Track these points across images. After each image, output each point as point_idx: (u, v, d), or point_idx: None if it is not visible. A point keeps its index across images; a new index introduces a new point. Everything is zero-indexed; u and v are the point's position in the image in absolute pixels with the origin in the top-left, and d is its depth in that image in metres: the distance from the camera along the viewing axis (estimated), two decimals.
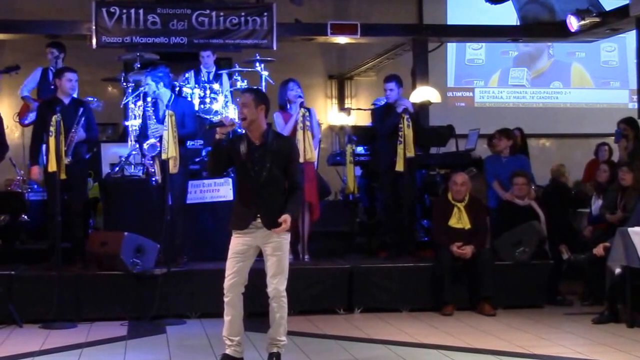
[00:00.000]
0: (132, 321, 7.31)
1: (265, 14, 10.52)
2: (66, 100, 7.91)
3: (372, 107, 10.02)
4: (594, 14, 10.66)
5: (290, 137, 7.57)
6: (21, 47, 11.81)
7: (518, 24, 12.16)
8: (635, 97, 14.43)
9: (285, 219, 5.36)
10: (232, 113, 9.33)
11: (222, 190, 8.46)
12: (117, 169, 9.31)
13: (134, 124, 9.38)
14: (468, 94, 14.54)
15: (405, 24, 12.39)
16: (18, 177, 9.85)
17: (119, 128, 11.45)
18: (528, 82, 14.66)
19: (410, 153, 8.17)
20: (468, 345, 6.41)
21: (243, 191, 5.56)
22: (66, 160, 7.45)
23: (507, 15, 12.44)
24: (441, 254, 8.00)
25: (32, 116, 9.67)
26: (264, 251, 5.50)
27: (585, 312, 7.69)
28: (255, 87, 7.88)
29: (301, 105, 8.14)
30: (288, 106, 8.35)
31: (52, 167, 7.24)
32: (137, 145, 8.56)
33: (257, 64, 9.99)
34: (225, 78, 9.95)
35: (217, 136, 5.56)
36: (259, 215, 5.44)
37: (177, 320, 7.34)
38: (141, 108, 9.04)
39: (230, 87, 9.88)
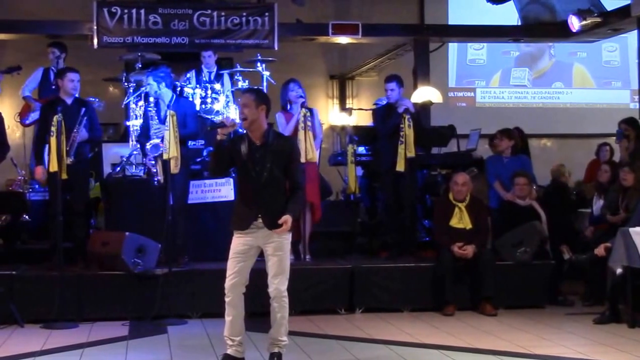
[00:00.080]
0: (134, 321, 7.31)
1: (267, 14, 10.52)
2: (68, 101, 7.91)
3: (374, 107, 10.02)
4: (595, 14, 10.65)
5: (291, 137, 7.58)
6: (22, 47, 11.83)
7: (519, 24, 12.16)
8: (636, 97, 14.44)
9: (286, 219, 5.36)
10: (233, 113, 9.33)
11: (223, 190, 8.46)
12: (119, 169, 9.32)
13: (135, 124, 9.39)
14: (469, 94, 14.54)
15: (407, 24, 12.38)
16: (19, 177, 9.85)
17: (120, 128, 11.46)
18: (529, 82, 14.66)
19: (411, 153, 8.17)
20: (469, 345, 6.41)
21: (244, 191, 5.57)
22: (68, 161, 7.45)
23: (509, 16, 12.45)
24: (442, 254, 8.00)
25: (33, 116, 9.69)
26: (265, 251, 5.50)
27: (586, 313, 7.69)
28: (256, 87, 7.87)
29: (302, 105, 8.14)
30: (288, 106, 8.36)
31: (54, 167, 7.25)
32: (138, 145, 8.55)
33: (259, 64, 10.00)
34: (226, 78, 9.96)
35: (219, 137, 5.56)
36: (260, 215, 5.44)
37: (178, 320, 7.34)
38: (142, 108, 9.04)
39: (232, 87, 9.89)
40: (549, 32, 11.70)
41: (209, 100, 9.54)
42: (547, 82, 14.72)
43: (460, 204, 8.15)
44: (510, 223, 8.38)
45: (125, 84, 9.95)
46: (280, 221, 5.36)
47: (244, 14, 10.49)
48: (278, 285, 5.46)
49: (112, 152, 10.27)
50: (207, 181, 8.51)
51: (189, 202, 8.18)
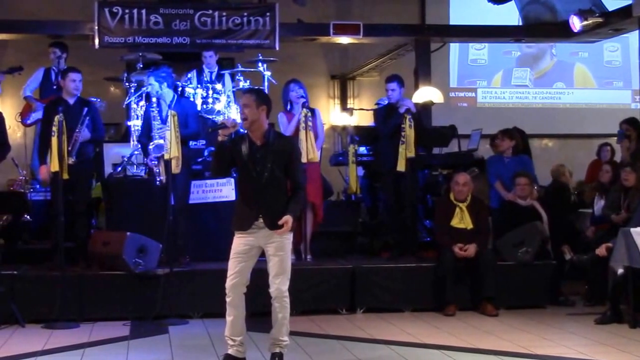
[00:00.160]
0: (135, 321, 7.32)
1: (268, 14, 10.52)
2: (71, 101, 7.91)
3: (375, 107, 10.02)
4: (597, 14, 10.65)
5: (292, 137, 7.59)
6: (24, 47, 11.83)
7: (520, 24, 12.15)
8: (638, 98, 14.47)
9: (286, 220, 5.36)
10: (235, 113, 9.34)
11: (224, 190, 8.46)
12: (120, 169, 9.33)
13: (136, 124, 9.39)
14: (471, 94, 14.53)
15: (408, 24, 12.37)
16: (20, 177, 9.84)
17: (121, 128, 11.45)
18: (531, 82, 14.65)
19: (411, 153, 8.17)
20: (470, 345, 6.41)
21: (245, 191, 5.57)
22: (70, 160, 7.45)
23: (510, 16, 12.44)
24: (443, 254, 8.00)
25: (34, 116, 9.70)
26: (267, 251, 5.50)
27: (587, 313, 7.69)
28: (257, 88, 7.88)
29: (304, 105, 8.14)
30: (289, 107, 8.36)
31: (55, 167, 7.25)
32: (139, 145, 8.56)
33: (260, 64, 10.00)
34: (227, 78, 9.96)
35: (220, 138, 5.57)
36: (261, 215, 5.44)
37: (179, 320, 7.34)
38: (143, 108, 9.04)
39: (233, 87, 9.90)
40: (551, 32, 11.70)
41: (210, 100, 9.55)
42: (549, 82, 14.71)
43: (461, 204, 8.14)
44: (512, 223, 8.38)
45: (127, 84, 9.96)
46: (280, 222, 5.36)
47: (245, 14, 10.48)
48: (279, 285, 5.46)
49: (113, 152, 10.28)
50: (209, 181, 8.51)
51: (190, 202, 8.18)
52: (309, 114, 8.03)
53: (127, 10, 10.20)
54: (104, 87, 12.18)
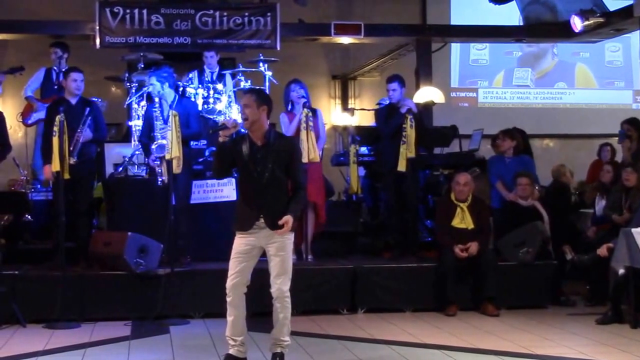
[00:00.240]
0: (136, 321, 7.32)
1: (269, 14, 10.51)
2: (73, 101, 7.91)
3: (376, 107, 10.02)
4: (598, 14, 10.64)
5: (293, 137, 7.59)
6: (25, 47, 11.83)
7: (522, 24, 12.15)
8: (639, 98, 14.44)
9: (287, 220, 5.36)
10: (236, 113, 9.34)
11: (225, 190, 8.46)
12: (121, 169, 9.33)
13: (137, 124, 9.39)
14: (472, 94, 14.52)
15: (409, 24, 12.36)
16: (21, 177, 9.85)
17: (122, 128, 11.45)
18: (532, 82, 14.64)
19: (412, 153, 8.17)
20: (471, 345, 6.41)
21: (246, 192, 5.57)
22: (71, 161, 7.45)
23: (511, 16, 12.43)
24: (444, 254, 8.00)
25: (35, 116, 9.70)
26: (268, 251, 5.50)
27: (588, 313, 7.69)
28: (257, 88, 7.88)
29: (305, 105, 8.13)
30: (290, 107, 8.36)
31: (56, 167, 7.26)
32: (140, 146, 8.56)
33: (261, 64, 10.00)
34: (228, 78, 9.96)
35: (221, 139, 5.57)
36: (261, 215, 5.45)
37: (180, 320, 7.35)
38: (144, 108, 9.05)
39: (234, 87, 9.89)
40: (552, 32, 11.69)
41: (211, 100, 9.54)
42: (550, 82, 14.70)
43: (462, 204, 8.14)
44: (513, 223, 8.38)
45: (128, 84, 9.95)
46: (280, 222, 5.36)
47: (246, 14, 10.48)
48: (280, 285, 5.46)
49: (115, 152, 10.28)
50: (210, 181, 8.52)
51: (192, 202, 8.18)
52: (310, 114, 8.04)
53: (128, 10, 10.20)
54: (105, 87, 12.19)
